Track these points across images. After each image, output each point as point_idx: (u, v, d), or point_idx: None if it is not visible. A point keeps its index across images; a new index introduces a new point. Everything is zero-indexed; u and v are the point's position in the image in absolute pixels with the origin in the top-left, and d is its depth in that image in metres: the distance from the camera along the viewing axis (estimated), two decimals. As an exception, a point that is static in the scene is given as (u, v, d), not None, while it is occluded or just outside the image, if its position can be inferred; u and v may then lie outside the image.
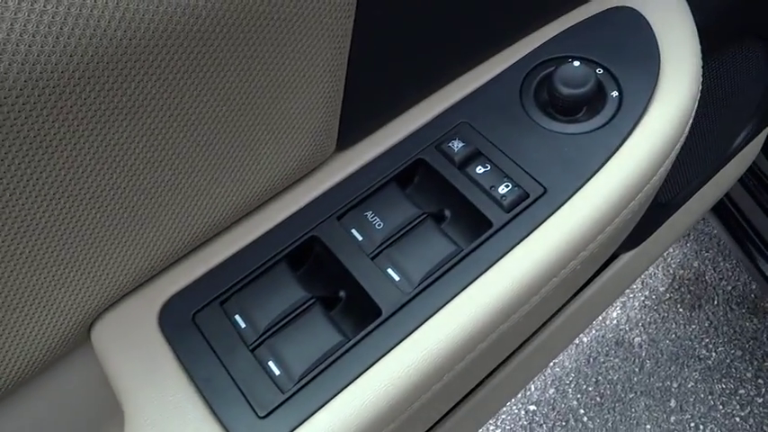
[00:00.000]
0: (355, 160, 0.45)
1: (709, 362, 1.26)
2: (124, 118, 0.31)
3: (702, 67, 0.48)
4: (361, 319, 0.38)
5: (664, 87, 0.46)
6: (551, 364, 1.29)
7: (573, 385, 1.28)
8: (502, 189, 0.42)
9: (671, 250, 1.41)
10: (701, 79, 0.48)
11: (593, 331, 1.34)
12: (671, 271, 1.39)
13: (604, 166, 0.43)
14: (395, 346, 0.37)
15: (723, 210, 1.10)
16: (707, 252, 1.40)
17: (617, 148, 0.43)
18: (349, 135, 0.44)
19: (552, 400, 1.27)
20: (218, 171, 0.38)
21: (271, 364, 0.37)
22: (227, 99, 0.34)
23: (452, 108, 0.46)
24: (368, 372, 0.36)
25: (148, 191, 0.35)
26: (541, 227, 0.40)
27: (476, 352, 0.38)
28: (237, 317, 0.39)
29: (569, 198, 0.41)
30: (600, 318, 1.34)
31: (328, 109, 0.40)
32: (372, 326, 0.37)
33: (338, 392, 0.36)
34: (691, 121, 0.48)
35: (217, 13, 0.30)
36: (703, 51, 0.50)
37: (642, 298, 1.36)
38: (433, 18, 0.42)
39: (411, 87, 0.46)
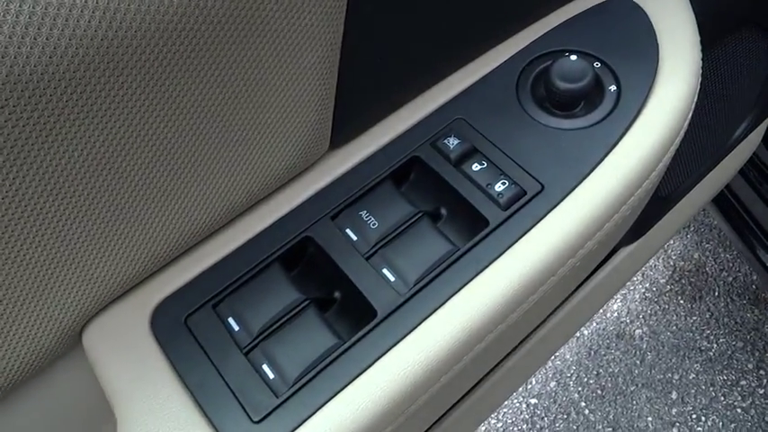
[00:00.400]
0: (349, 158, 0.44)
1: (711, 353, 1.26)
2: (109, 120, 0.30)
3: (702, 58, 0.48)
4: (357, 321, 0.38)
5: (663, 81, 0.45)
6: (552, 357, 1.29)
7: (574, 378, 1.27)
8: (498, 186, 0.41)
9: (671, 242, 1.41)
10: (701, 72, 0.47)
11: (594, 324, 1.33)
12: (671, 263, 1.38)
13: (602, 162, 0.42)
14: (391, 348, 0.36)
15: (723, 201, 1.10)
16: (707, 243, 1.40)
17: (615, 144, 0.43)
18: (342, 133, 0.44)
19: (553, 394, 1.26)
20: (208, 172, 0.37)
21: (265, 367, 0.36)
22: (215, 99, 0.34)
23: (448, 104, 0.46)
24: (364, 374, 0.36)
25: (137, 193, 0.35)
26: (539, 225, 0.40)
27: (473, 353, 0.38)
28: (230, 320, 0.38)
29: (567, 195, 0.40)
30: (600, 310, 1.34)
31: (321, 107, 0.39)
32: (368, 328, 0.37)
33: (334, 396, 0.35)
34: (690, 114, 0.47)
35: (202, 12, 0.30)
36: (703, 43, 0.49)
37: (643, 290, 1.36)
38: (427, 12, 0.41)
39: (405, 84, 0.45)
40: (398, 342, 0.36)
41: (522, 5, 0.47)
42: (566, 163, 0.42)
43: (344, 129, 0.43)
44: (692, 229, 1.41)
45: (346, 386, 0.35)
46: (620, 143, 0.43)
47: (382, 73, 0.43)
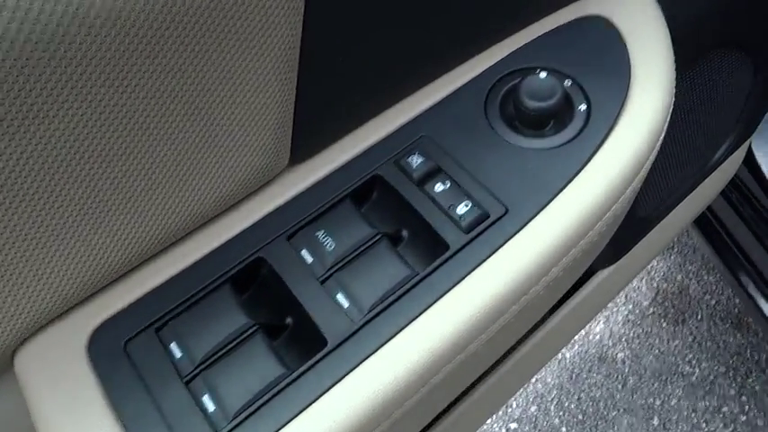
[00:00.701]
0: (309, 175, 0.42)
1: (693, 378, 1.24)
2: (44, 127, 0.28)
3: (679, 78, 0.46)
4: (307, 350, 0.35)
5: (634, 100, 0.43)
6: (533, 380, 1.27)
7: (555, 402, 1.25)
8: (461, 209, 0.39)
9: (654, 263, 1.39)
10: (674, 91, 0.46)
11: (576, 347, 1.31)
12: (654, 284, 1.37)
13: (569, 185, 0.40)
14: (340, 380, 0.34)
15: (705, 223, 1.09)
16: (690, 265, 1.39)
17: (584, 165, 0.41)
18: (303, 149, 0.42)
19: (534, 418, 1.24)
20: (155, 189, 0.35)
21: (205, 398, 0.34)
22: (165, 110, 0.32)
23: (414, 121, 0.44)
24: (309, 408, 0.33)
25: (76, 208, 0.32)
26: (501, 250, 0.38)
27: (428, 386, 0.36)
28: (174, 345, 0.36)
29: (531, 219, 0.39)
30: (582, 332, 1.32)
31: (279, 122, 0.37)
32: (316, 358, 0.35)
33: (276, 431, 0.33)
34: (663, 135, 0.46)
35: (149, 14, 0.28)
36: (682, 61, 0.48)
37: (626, 312, 1.34)
38: (392, 25, 0.40)
39: (369, 99, 0.43)
40: (348, 373, 0.34)
41: (493, 21, 0.46)
42: (532, 185, 0.40)
43: (305, 145, 0.42)
44: (675, 250, 1.40)
45: (290, 421, 0.33)
46: (588, 164, 0.41)
47: (345, 88, 0.41)
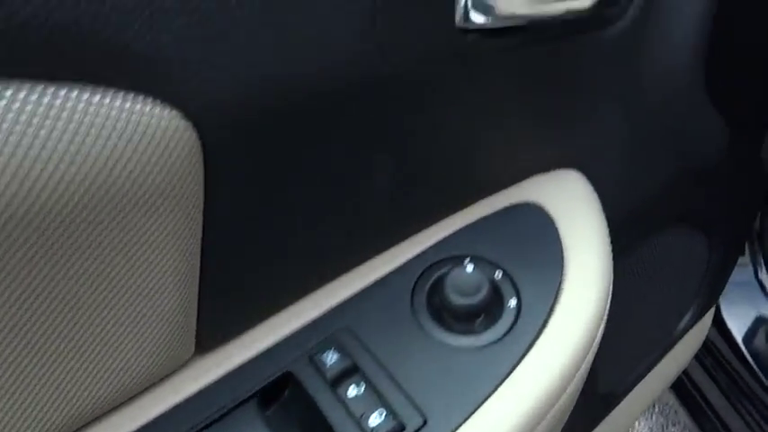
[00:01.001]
0: (214, 369, 0.38)
1: None
2: None
3: (630, 255, 0.45)
4: None
5: (568, 292, 0.41)
6: None
7: None
8: (374, 419, 0.35)
9: (636, 424, 1.31)
10: (612, 280, 0.44)
11: None
12: (637, 448, 1.28)
13: (498, 390, 0.37)
14: None
15: (681, 386, 1.04)
16: (673, 426, 1.31)
17: (514, 366, 0.38)
18: (211, 336, 0.38)
19: None
20: (25, 393, 0.31)
21: None
22: (45, 303, 0.28)
23: (334, 311, 0.41)
24: None
25: None
26: (415, 474, 0.33)
27: None
28: None
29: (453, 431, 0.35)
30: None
31: (178, 314, 0.34)
32: None
33: None
34: (603, 324, 0.43)
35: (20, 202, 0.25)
36: (631, 239, 0.47)
37: (607, 479, 1.24)
38: (311, 209, 0.38)
39: (285, 287, 0.40)
40: None
41: (424, 207, 0.44)
42: (456, 389, 0.37)
43: (214, 331, 0.38)
44: (656, 410, 1.33)
45: None
46: (519, 366, 0.38)
47: (257, 276, 0.38)
